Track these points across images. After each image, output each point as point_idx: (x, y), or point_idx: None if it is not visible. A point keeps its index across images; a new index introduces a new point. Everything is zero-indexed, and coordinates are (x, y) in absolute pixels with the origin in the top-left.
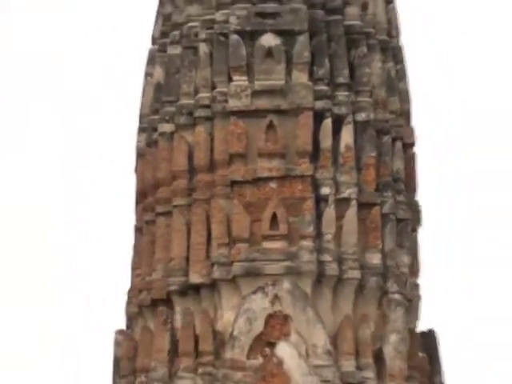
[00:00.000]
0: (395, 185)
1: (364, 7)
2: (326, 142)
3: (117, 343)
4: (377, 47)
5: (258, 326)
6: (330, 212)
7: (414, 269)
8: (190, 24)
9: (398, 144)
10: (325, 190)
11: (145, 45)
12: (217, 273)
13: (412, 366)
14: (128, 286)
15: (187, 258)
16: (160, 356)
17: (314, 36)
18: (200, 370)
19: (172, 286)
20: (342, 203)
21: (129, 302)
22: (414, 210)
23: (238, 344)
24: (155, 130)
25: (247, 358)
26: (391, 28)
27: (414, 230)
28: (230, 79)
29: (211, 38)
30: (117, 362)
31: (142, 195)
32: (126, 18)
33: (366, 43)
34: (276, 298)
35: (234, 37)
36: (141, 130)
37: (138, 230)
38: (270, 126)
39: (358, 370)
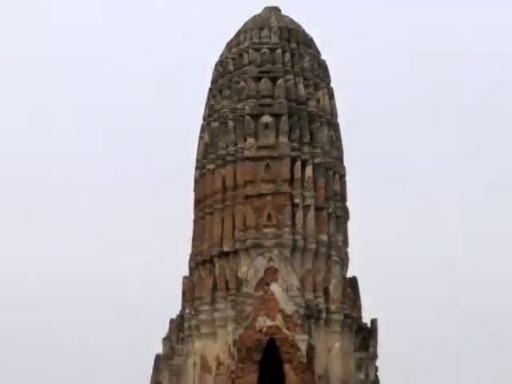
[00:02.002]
0: (335, 197)
1: (318, 101)
2: (297, 174)
3: (184, 283)
4: (325, 123)
5: (260, 274)
6: (299, 213)
7: (345, 243)
8: (223, 110)
9: (336, 175)
10: (296, 201)
11: (198, 122)
12: (238, 245)
13: (344, 295)
14: (190, 252)
15: (222, 238)
16: (207, 290)
17: (291, 117)
18: (228, 298)
19: (213, 252)
20: (306, 208)
21: (190, 261)
22: (345, 211)
23: (249, 284)
24: (204, 167)
25: (254, 291)
26: (333, 113)
27: (345, 222)
28: (245, 140)
29: (235, 117)
30: (184, 293)
31: (197, 202)
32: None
33: (319, 121)
34: (270, 259)
35: (248, 117)
36: (196, 167)
37: (195, 222)
38: (267, 165)
39: (315, 298)
